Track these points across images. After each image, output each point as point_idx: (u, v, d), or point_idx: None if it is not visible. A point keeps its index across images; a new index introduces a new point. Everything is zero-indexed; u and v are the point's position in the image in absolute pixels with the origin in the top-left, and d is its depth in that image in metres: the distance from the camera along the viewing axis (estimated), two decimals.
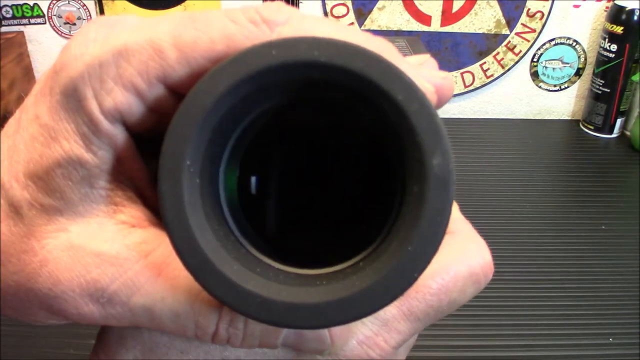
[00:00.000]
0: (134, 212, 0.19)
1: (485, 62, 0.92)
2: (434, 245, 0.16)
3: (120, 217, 0.19)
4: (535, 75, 0.94)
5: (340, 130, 0.19)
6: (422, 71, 0.20)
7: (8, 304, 0.20)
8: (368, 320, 0.19)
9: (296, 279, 0.17)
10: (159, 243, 0.19)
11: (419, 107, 0.15)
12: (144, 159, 0.20)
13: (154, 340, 0.20)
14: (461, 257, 0.21)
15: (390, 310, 0.19)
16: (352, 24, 0.89)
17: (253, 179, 0.19)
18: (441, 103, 0.20)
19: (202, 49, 0.17)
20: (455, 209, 0.21)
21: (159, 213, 0.16)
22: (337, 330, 0.19)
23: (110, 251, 0.19)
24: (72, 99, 0.18)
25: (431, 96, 0.19)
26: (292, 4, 0.88)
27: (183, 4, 0.88)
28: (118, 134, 0.18)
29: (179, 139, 0.15)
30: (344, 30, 0.18)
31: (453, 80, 0.25)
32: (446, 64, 0.92)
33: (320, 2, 0.88)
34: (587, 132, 0.91)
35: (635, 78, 0.84)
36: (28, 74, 0.91)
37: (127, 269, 0.19)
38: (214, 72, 0.16)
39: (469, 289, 0.21)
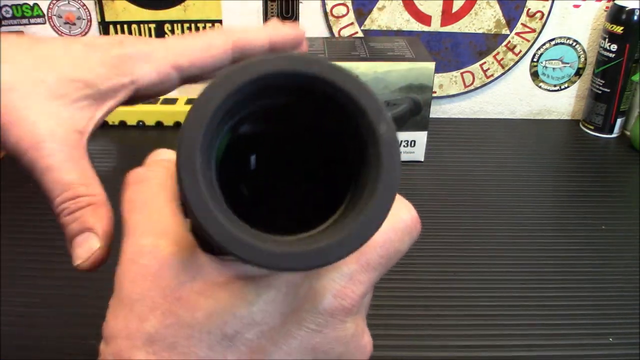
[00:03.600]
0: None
1: (485, 62, 0.92)
2: (392, 194, 0.21)
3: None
4: (535, 75, 0.94)
5: (311, 121, 0.23)
6: (265, 30, 0.31)
7: None
8: (336, 277, 0.23)
9: (282, 239, 0.21)
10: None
11: (366, 95, 0.21)
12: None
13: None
14: (395, 214, 0.25)
15: (352, 266, 0.24)
16: (352, 24, 0.89)
17: (237, 162, 0.24)
18: (290, 46, 0.31)
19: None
20: None
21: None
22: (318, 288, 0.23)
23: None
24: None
25: (264, 43, 0.31)
26: (292, 4, 0.88)
27: (183, 4, 0.88)
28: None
29: (192, 142, 0.21)
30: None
31: (298, 30, 0.33)
32: (446, 64, 0.92)
33: (320, 2, 0.88)
34: (587, 132, 0.91)
35: (635, 78, 0.84)
36: None
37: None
38: (219, 80, 0.20)
39: (406, 238, 0.26)
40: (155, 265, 0.22)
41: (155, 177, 0.25)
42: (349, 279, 0.24)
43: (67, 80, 0.29)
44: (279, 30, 0.32)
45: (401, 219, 0.26)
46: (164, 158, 0.27)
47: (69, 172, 0.28)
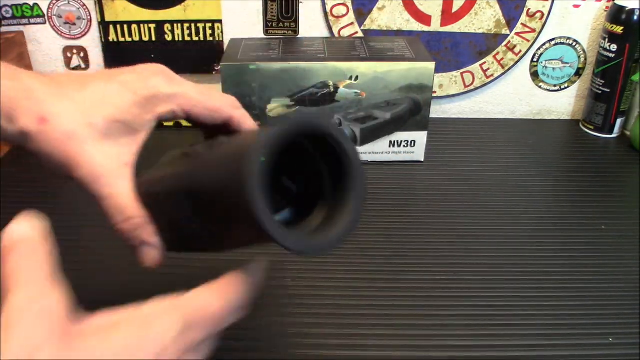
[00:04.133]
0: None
1: (485, 62, 0.92)
2: (362, 198, 0.35)
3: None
4: (535, 75, 0.94)
5: (310, 151, 0.35)
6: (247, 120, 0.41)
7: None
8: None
9: (294, 232, 0.33)
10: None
11: (345, 137, 0.33)
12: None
13: None
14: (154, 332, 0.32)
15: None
16: (352, 24, 0.89)
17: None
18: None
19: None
20: None
21: None
22: None
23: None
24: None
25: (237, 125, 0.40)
26: (292, 4, 0.88)
27: (183, 4, 0.88)
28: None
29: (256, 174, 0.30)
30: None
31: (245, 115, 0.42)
32: (446, 64, 0.92)
33: (320, 2, 0.88)
34: (587, 132, 0.91)
35: (635, 78, 0.85)
36: None
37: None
38: (281, 126, 0.31)
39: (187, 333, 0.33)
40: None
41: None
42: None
43: (111, 122, 0.36)
44: (236, 115, 0.41)
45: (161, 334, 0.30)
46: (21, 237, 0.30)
47: (122, 199, 0.36)
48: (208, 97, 0.39)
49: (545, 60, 0.93)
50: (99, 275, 0.58)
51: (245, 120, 0.41)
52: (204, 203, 0.34)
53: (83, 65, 0.93)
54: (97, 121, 0.36)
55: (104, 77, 0.37)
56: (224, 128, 0.40)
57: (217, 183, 0.33)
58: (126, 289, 0.57)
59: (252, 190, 0.29)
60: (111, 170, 0.36)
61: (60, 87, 0.36)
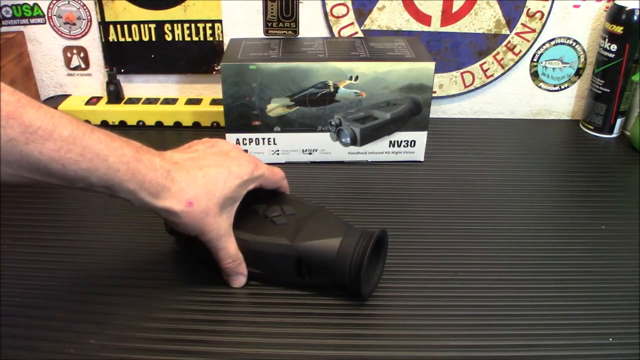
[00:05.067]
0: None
1: (485, 62, 0.92)
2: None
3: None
4: (535, 75, 0.94)
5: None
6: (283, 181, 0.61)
7: None
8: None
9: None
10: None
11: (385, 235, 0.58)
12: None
13: None
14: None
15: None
16: (352, 24, 0.89)
17: None
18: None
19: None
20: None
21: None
22: None
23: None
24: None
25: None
26: (292, 4, 0.88)
27: (183, 4, 0.88)
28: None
29: None
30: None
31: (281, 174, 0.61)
32: (446, 64, 0.92)
33: (320, 2, 0.88)
34: (587, 132, 0.91)
35: (635, 78, 0.85)
36: (28, 74, 0.92)
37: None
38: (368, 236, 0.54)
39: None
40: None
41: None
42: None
43: (225, 199, 0.52)
44: (284, 184, 0.61)
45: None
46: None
47: (231, 249, 0.54)
48: (273, 174, 0.58)
49: (545, 60, 0.93)
50: (99, 275, 0.58)
51: (286, 187, 0.61)
52: (306, 269, 0.54)
53: (83, 65, 0.93)
54: (217, 200, 0.51)
55: (215, 163, 0.53)
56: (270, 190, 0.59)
57: (328, 268, 0.53)
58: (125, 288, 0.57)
59: (361, 286, 0.52)
60: (226, 232, 0.53)
61: (188, 172, 0.50)
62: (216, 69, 0.92)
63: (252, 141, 0.78)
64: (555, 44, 0.92)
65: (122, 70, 0.92)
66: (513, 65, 0.92)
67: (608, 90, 0.87)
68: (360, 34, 0.90)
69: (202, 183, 0.50)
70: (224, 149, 0.55)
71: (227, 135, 0.78)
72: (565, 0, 0.88)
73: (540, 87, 0.95)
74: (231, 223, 0.54)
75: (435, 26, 0.89)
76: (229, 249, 0.54)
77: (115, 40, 0.90)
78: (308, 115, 0.77)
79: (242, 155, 0.55)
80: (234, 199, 0.53)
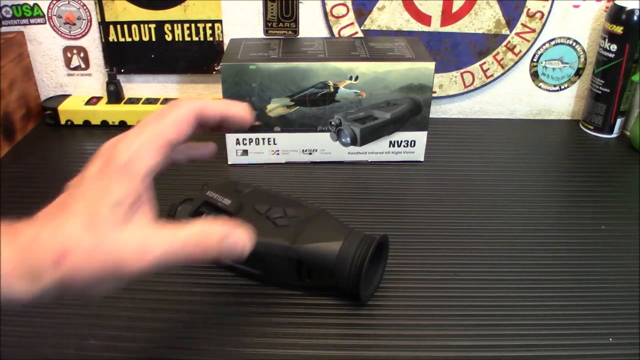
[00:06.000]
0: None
1: (485, 62, 0.92)
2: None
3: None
4: (535, 75, 0.94)
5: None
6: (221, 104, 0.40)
7: None
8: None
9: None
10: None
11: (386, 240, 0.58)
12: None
13: None
14: None
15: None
16: (352, 24, 0.89)
17: None
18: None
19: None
20: None
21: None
22: None
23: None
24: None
25: (218, 115, 0.40)
26: (292, 4, 0.88)
27: (183, 4, 0.88)
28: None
29: None
30: None
31: (247, 110, 0.42)
32: (446, 64, 0.92)
33: (320, 2, 0.88)
34: (587, 132, 0.91)
35: (635, 78, 0.84)
36: (28, 74, 0.91)
37: None
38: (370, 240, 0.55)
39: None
40: None
41: None
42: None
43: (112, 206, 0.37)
44: (231, 107, 0.40)
45: None
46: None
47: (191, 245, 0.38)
48: (174, 116, 0.40)
49: (545, 61, 0.93)
50: None
51: (237, 113, 0.42)
52: (308, 270, 0.54)
53: (83, 65, 0.93)
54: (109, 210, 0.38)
55: (94, 178, 0.40)
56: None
57: (330, 272, 0.53)
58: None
59: (360, 291, 0.52)
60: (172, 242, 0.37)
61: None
62: (216, 69, 0.92)
63: (252, 141, 0.78)
64: (555, 44, 0.92)
65: (122, 71, 0.92)
66: (513, 66, 0.92)
67: (608, 91, 0.87)
68: (360, 34, 0.90)
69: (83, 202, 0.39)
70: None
71: (227, 135, 0.78)
72: (565, 0, 0.88)
73: (540, 87, 0.95)
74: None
75: (435, 26, 0.89)
76: (192, 248, 0.36)
77: (115, 40, 0.90)
78: (308, 115, 0.77)
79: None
80: (137, 198, 0.37)
